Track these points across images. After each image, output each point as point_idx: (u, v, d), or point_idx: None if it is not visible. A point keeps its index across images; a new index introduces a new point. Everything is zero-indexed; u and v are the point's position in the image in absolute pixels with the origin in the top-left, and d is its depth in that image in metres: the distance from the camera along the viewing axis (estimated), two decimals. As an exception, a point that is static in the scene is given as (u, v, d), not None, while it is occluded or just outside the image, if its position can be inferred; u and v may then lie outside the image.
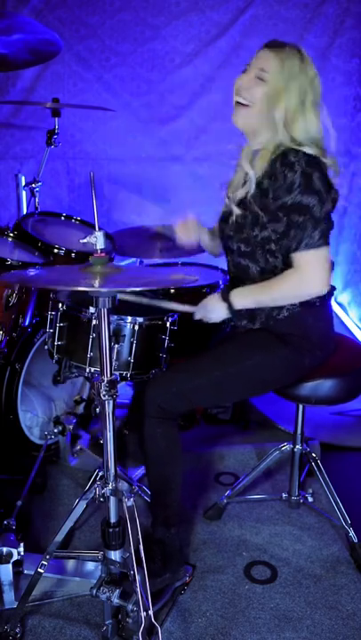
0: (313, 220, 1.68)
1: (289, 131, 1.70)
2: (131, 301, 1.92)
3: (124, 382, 2.00)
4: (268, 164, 1.73)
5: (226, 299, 1.82)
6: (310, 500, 2.21)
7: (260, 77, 1.70)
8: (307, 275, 1.72)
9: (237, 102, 1.75)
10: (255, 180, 1.76)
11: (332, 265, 1.89)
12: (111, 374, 1.53)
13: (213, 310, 1.85)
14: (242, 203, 1.81)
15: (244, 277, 1.86)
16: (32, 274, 1.60)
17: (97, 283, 1.40)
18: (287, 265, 1.78)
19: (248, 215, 1.79)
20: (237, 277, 1.90)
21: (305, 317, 1.82)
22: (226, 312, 1.83)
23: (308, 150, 1.69)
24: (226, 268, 2.03)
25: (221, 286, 2.62)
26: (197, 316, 1.90)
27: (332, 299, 1.93)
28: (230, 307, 1.82)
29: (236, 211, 1.80)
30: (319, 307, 1.84)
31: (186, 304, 1.94)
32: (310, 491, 2.23)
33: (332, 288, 1.90)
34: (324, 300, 1.86)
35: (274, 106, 1.70)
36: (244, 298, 1.81)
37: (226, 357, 1.82)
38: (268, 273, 1.80)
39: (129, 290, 1.42)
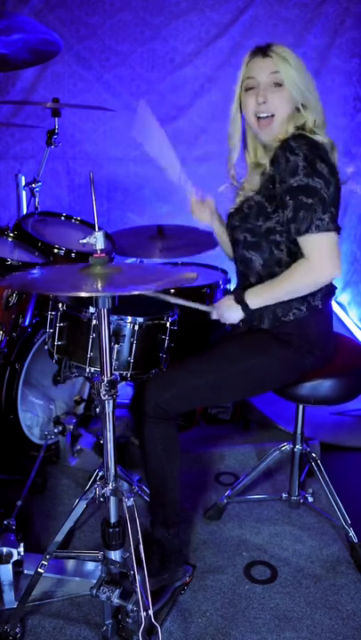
0: (322, 203, 1.65)
1: (307, 122, 1.73)
2: (145, 296, 1.87)
3: (124, 382, 2.00)
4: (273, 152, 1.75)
5: (240, 300, 1.81)
6: (310, 499, 2.21)
7: (277, 83, 1.71)
8: (316, 261, 1.68)
9: (259, 118, 1.76)
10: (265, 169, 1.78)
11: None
12: (111, 374, 1.53)
13: (229, 312, 1.84)
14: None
15: (248, 271, 1.86)
16: (31, 276, 1.60)
17: (97, 285, 1.40)
18: (292, 257, 1.77)
19: (253, 205, 1.79)
20: (243, 272, 1.90)
21: (308, 320, 1.82)
22: (241, 313, 1.82)
23: (316, 137, 1.70)
24: (226, 269, 2.02)
25: (223, 286, 2.62)
26: (214, 316, 1.89)
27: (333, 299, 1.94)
28: (246, 307, 1.80)
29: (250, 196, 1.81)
30: (321, 309, 1.84)
31: (202, 304, 1.92)
32: (310, 491, 2.23)
33: (333, 288, 1.90)
34: (327, 301, 1.87)
35: (294, 104, 1.73)
36: (258, 296, 1.79)
37: (225, 357, 1.82)
38: (271, 266, 1.80)
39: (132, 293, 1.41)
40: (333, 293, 1.91)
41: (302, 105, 1.73)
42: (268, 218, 1.76)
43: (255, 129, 1.79)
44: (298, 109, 1.74)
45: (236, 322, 1.86)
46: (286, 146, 1.67)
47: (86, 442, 2.47)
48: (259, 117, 1.76)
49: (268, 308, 1.83)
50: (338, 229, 1.70)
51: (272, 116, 1.74)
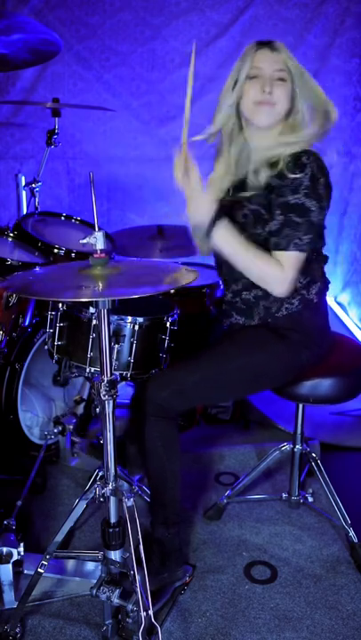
0: (308, 224, 1.71)
1: (310, 116, 1.76)
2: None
3: (124, 382, 2.00)
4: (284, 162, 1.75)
5: (214, 220, 1.74)
6: (310, 499, 2.21)
7: (281, 78, 1.73)
8: (285, 276, 1.73)
9: (260, 103, 1.76)
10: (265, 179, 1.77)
11: (326, 259, 1.91)
12: (111, 374, 1.53)
13: (198, 208, 1.76)
14: (239, 202, 1.82)
15: (238, 276, 1.85)
16: (31, 278, 1.60)
17: (97, 286, 1.40)
18: None
19: (249, 214, 1.79)
20: (230, 276, 1.89)
21: (302, 314, 1.84)
22: (203, 220, 1.74)
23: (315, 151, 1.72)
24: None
25: (223, 286, 2.62)
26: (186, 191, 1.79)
27: (331, 297, 1.94)
28: (211, 225, 1.74)
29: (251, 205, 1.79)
30: (316, 303, 1.86)
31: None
32: (310, 491, 2.23)
33: (327, 282, 1.92)
34: (322, 295, 1.88)
35: (296, 101, 1.75)
36: (227, 237, 1.75)
37: (223, 355, 1.83)
38: None
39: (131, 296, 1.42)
40: (328, 288, 1.93)
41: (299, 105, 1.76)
42: (266, 224, 1.77)
43: (250, 113, 1.78)
44: (292, 108, 1.76)
45: (196, 219, 1.77)
46: (299, 163, 1.69)
47: (81, 447, 2.47)
48: (258, 102, 1.75)
49: (259, 303, 1.85)
50: (313, 251, 1.77)
51: (274, 105, 1.75)
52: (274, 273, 1.74)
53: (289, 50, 1.76)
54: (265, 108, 1.75)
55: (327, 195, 1.73)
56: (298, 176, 1.68)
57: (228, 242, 1.76)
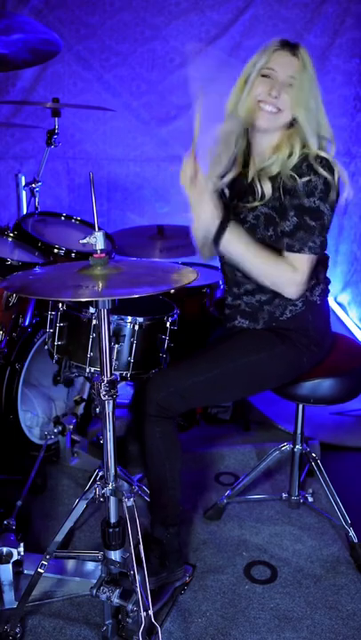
0: (321, 228, 1.72)
1: (313, 129, 1.72)
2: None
3: (123, 382, 2.00)
4: (295, 165, 1.73)
5: (223, 226, 1.71)
6: (310, 500, 2.21)
7: (290, 83, 1.70)
8: (299, 278, 1.74)
9: (263, 102, 1.73)
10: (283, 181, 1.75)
11: (328, 260, 1.91)
12: (111, 374, 1.53)
13: (203, 213, 1.72)
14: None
15: (241, 280, 1.85)
16: (31, 278, 1.60)
17: (97, 287, 1.40)
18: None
19: (260, 215, 1.79)
20: (232, 279, 1.90)
21: (305, 315, 1.84)
22: (209, 223, 1.71)
23: (327, 156, 1.71)
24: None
25: (223, 286, 2.62)
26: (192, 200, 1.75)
27: (331, 297, 1.94)
28: (219, 232, 1.72)
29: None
30: (319, 304, 1.87)
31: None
32: (310, 491, 2.23)
33: (328, 283, 1.92)
34: (324, 296, 1.89)
35: (300, 109, 1.71)
36: (236, 244, 1.73)
37: (223, 355, 1.83)
38: None
39: (131, 296, 1.41)
40: (329, 289, 1.93)
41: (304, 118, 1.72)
42: (276, 226, 1.77)
43: (251, 112, 1.75)
44: (295, 119, 1.73)
45: (200, 227, 1.73)
46: (312, 166, 1.68)
47: (82, 446, 2.47)
48: (261, 101, 1.73)
49: (263, 308, 1.85)
50: (323, 253, 1.78)
51: (278, 110, 1.72)
52: (285, 275, 1.75)
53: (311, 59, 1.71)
54: (266, 113, 1.73)
55: (336, 200, 1.74)
56: (311, 178, 1.68)
57: (236, 247, 1.74)
